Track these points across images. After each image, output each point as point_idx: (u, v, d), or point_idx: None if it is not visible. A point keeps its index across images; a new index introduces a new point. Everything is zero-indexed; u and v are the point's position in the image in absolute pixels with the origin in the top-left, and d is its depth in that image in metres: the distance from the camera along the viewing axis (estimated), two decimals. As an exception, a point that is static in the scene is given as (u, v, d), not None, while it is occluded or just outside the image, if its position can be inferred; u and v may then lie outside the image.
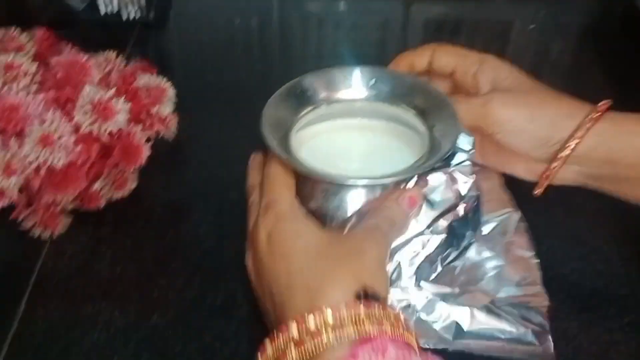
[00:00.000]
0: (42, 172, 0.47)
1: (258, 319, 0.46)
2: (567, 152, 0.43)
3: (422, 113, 0.45)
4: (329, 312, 0.32)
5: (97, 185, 0.52)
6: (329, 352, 0.31)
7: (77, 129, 0.48)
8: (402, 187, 0.41)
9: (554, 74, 0.78)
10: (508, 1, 0.90)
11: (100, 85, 0.51)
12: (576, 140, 0.42)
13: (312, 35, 0.83)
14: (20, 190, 0.49)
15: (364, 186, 0.40)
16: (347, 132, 0.48)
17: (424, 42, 0.49)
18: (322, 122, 0.47)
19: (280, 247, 0.38)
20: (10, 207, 0.50)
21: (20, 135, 0.47)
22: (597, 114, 0.42)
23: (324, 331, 0.31)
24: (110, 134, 0.49)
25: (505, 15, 0.88)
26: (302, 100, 0.46)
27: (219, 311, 0.46)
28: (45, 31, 0.56)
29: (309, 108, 0.46)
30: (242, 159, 0.60)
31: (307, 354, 0.32)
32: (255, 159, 0.46)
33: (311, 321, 0.32)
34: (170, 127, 0.57)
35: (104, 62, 0.55)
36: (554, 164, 0.44)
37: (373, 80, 0.47)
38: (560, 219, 0.54)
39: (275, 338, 0.33)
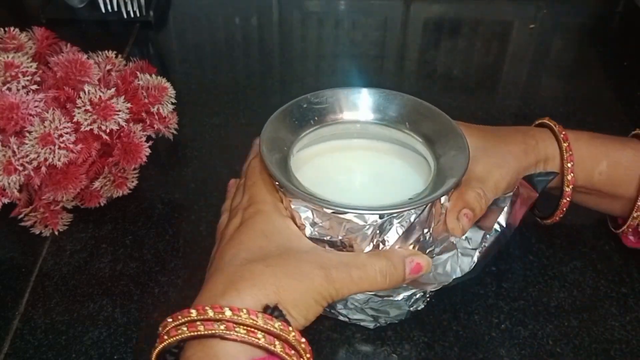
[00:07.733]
0: (43, 170, 0.47)
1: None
2: (569, 188, 0.47)
3: (429, 139, 0.44)
4: (227, 312, 0.33)
5: (97, 184, 0.52)
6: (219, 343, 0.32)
7: (77, 128, 0.48)
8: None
9: (553, 73, 0.78)
10: (508, 1, 0.90)
11: (100, 84, 0.51)
12: (571, 175, 0.46)
13: (312, 34, 0.83)
14: (21, 189, 0.49)
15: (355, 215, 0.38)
16: (349, 152, 0.47)
17: (423, 41, 0.49)
18: (323, 143, 0.46)
19: (243, 233, 0.38)
20: (11, 205, 0.50)
21: (20, 134, 0.47)
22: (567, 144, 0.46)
23: (217, 325, 0.32)
24: (110, 132, 0.49)
25: (505, 14, 0.88)
26: (303, 119, 0.45)
27: (220, 309, 0.46)
28: (45, 30, 0.56)
29: (311, 128, 0.45)
30: (241, 158, 0.60)
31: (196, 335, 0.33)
32: (234, 184, 0.46)
33: (210, 312, 0.33)
34: (170, 126, 0.57)
35: (104, 61, 0.55)
36: (563, 201, 0.48)
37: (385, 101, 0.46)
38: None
39: (177, 317, 0.34)
